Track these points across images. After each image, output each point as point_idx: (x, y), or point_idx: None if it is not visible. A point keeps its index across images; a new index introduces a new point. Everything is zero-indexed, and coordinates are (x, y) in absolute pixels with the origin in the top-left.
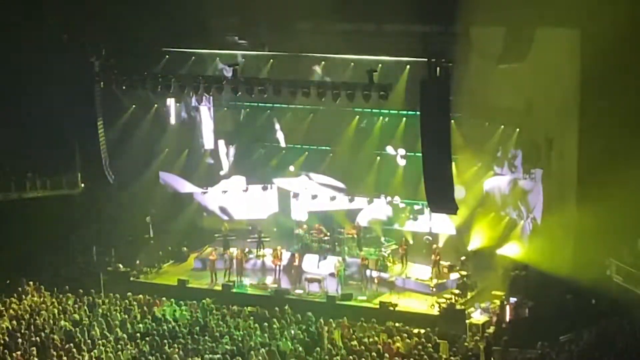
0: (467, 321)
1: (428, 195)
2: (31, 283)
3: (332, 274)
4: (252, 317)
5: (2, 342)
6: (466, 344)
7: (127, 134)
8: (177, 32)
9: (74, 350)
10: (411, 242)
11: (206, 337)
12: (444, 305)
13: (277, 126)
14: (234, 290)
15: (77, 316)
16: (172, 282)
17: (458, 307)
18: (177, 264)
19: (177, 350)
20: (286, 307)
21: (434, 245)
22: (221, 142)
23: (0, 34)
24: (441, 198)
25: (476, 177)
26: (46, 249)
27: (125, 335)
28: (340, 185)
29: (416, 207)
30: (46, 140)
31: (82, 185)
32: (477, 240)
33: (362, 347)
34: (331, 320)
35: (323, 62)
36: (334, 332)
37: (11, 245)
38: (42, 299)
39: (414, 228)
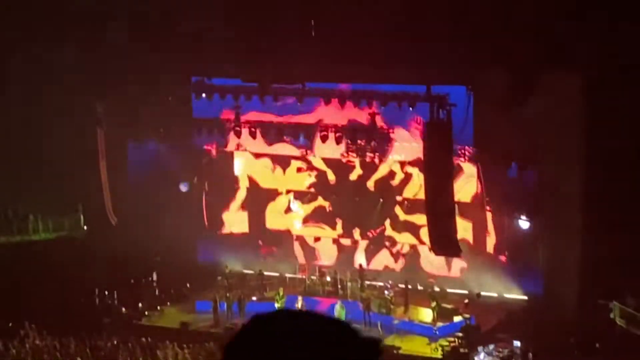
0: None
1: (431, 237)
2: (33, 326)
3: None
4: None
5: None
6: None
7: (129, 175)
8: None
9: None
10: (417, 284)
11: None
12: (447, 349)
13: None
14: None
15: (79, 359)
16: (174, 325)
17: (462, 350)
18: (180, 306)
19: None
20: None
21: (429, 290)
22: None
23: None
24: (444, 241)
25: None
26: (48, 292)
27: None
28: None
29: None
30: (48, 183)
31: (85, 227)
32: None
33: None
34: None
35: None
36: None
37: (13, 288)
38: (44, 342)
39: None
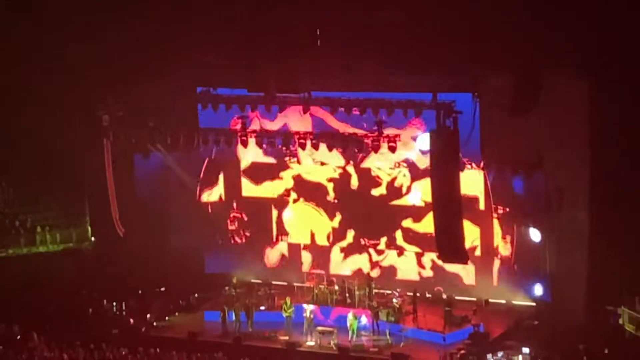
0: None
1: (438, 244)
2: (42, 338)
3: (344, 326)
4: None
5: None
6: None
7: (137, 186)
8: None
9: None
10: (425, 292)
11: None
12: (456, 357)
13: None
14: (245, 343)
15: None
16: (182, 335)
17: (470, 357)
18: (188, 316)
19: None
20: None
21: (443, 296)
22: None
23: (7, 90)
24: (451, 248)
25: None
26: (56, 303)
27: None
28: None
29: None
30: (55, 195)
31: (92, 238)
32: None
33: None
34: None
35: None
36: None
37: (21, 300)
38: (52, 354)
39: (426, 277)
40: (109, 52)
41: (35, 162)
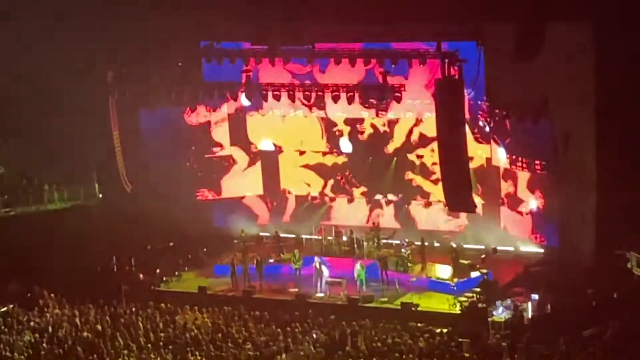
0: (489, 319)
1: (446, 194)
2: (52, 295)
3: (353, 277)
4: (273, 322)
5: (25, 355)
6: (489, 342)
7: (143, 142)
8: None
9: None
10: (433, 241)
11: (229, 344)
12: (465, 304)
13: None
14: (255, 295)
15: (99, 327)
16: (192, 290)
17: (480, 305)
18: (197, 271)
19: (199, 357)
20: (310, 311)
21: (452, 244)
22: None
23: (15, 46)
24: (459, 197)
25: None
26: (66, 261)
27: (148, 345)
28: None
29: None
30: (63, 152)
31: (100, 195)
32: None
33: (385, 348)
34: (353, 322)
35: None
36: (357, 334)
37: (31, 258)
38: (63, 311)
39: (434, 227)
40: (112, 8)
41: (41, 120)
